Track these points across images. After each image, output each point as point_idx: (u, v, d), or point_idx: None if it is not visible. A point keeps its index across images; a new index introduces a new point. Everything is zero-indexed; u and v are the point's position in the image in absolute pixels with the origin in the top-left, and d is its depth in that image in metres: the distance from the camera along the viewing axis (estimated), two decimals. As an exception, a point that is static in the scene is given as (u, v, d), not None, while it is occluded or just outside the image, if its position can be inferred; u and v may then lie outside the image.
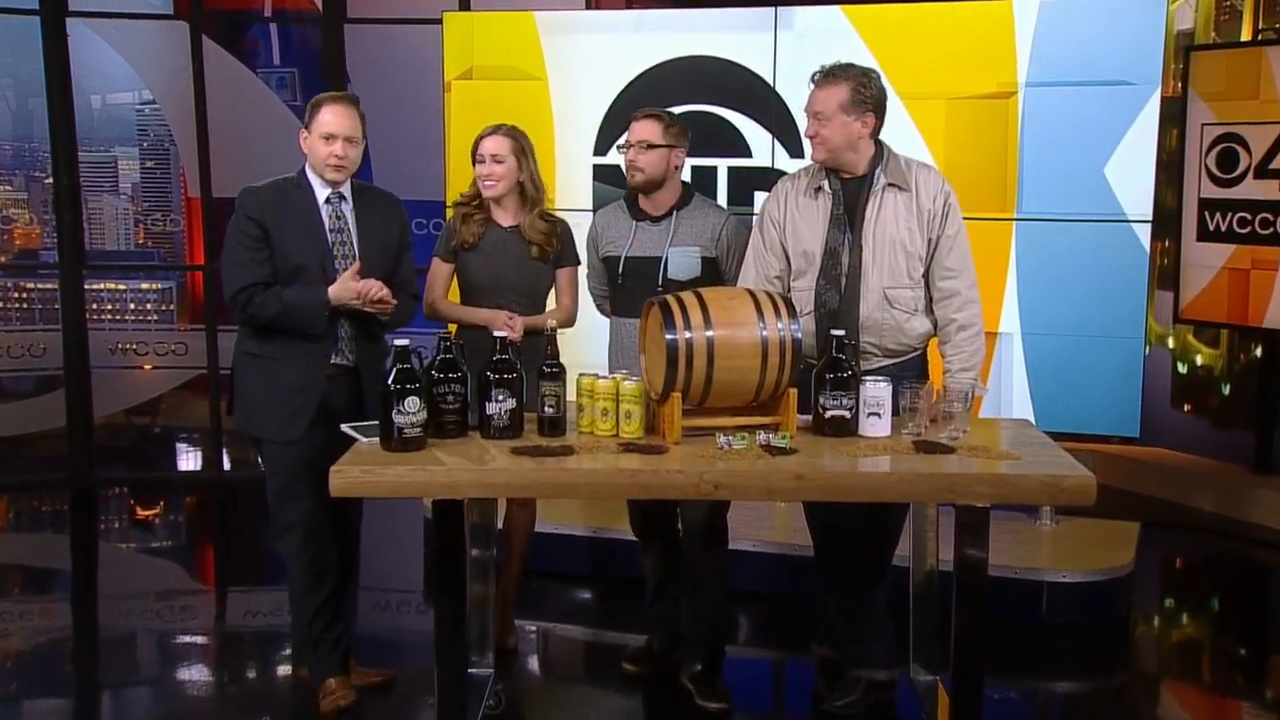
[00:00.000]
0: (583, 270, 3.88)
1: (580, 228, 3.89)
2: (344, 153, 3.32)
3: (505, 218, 3.75)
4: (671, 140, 3.59)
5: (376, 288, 3.28)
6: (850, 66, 3.29)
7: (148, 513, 5.92)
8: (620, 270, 3.65)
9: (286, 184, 3.37)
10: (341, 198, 3.39)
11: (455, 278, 3.80)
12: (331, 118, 3.31)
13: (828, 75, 3.28)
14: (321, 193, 3.37)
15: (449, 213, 4.23)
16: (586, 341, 4.13)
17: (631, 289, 3.60)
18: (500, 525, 3.85)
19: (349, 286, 3.27)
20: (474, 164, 3.71)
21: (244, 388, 3.41)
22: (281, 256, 3.29)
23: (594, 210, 4.35)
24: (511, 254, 3.72)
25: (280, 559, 3.51)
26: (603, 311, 3.90)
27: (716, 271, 3.63)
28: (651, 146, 3.56)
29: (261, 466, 3.45)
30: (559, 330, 3.24)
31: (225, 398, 5.45)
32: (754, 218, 3.65)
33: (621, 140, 3.66)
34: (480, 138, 3.70)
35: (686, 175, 3.78)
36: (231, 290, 3.29)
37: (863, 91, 3.25)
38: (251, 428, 3.40)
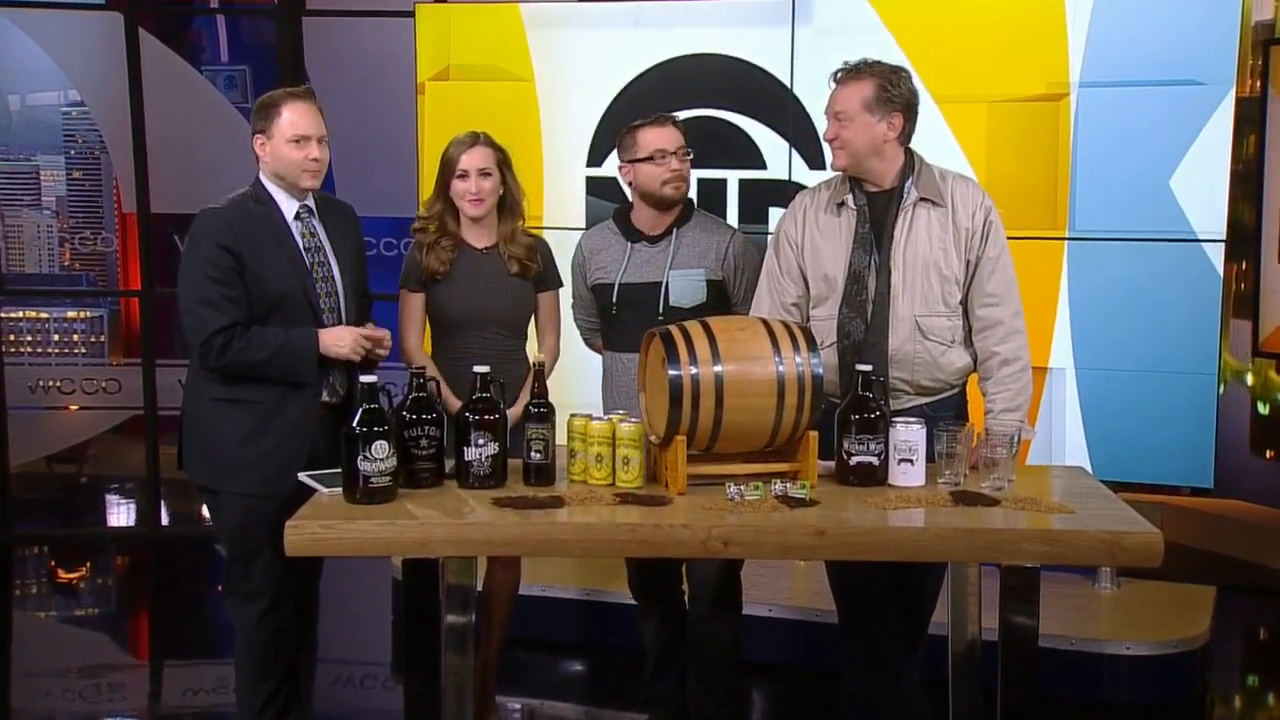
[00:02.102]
0: (566, 299, 3.93)
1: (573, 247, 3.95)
2: (320, 155, 3.32)
3: (480, 238, 3.77)
4: (688, 146, 3.68)
5: (382, 333, 3.34)
6: (877, 63, 3.37)
7: (72, 575, 5.94)
8: (614, 299, 3.69)
9: (247, 200, 3.35)
10: (310, 211, 3.41)
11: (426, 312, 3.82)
12: (298, 118, 3.30)
13: (851, 72, 3.36)
14: (289, 207, 3.37)
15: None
16: (578, 378, 4.17)
17: (628, 320, 3.64)
18: (480, 587, 3.88)
19: (340, 333, 3.30)
20: (449, 180, 3.71)
21: (216, 439, 3.34)
22: (259, 287, 3.27)
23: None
24: (489, 279, 3.74)
25: (228, 625, 3.52)
26: (593, 347, 3.95)
27: (724, 296, 3.69)
28: (687, 154, 3.65)
29: (211, 522, 3.44)
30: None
31: (167, 444, 5.43)
32: (768, 237, 3.71)
33: (642, 154, 3.63)
34: (456, 151, 3.69)
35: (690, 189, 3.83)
36: (203, 335, 3.22)
37: (890, 89, 3.32)
38: (225, 483, 3.33)
